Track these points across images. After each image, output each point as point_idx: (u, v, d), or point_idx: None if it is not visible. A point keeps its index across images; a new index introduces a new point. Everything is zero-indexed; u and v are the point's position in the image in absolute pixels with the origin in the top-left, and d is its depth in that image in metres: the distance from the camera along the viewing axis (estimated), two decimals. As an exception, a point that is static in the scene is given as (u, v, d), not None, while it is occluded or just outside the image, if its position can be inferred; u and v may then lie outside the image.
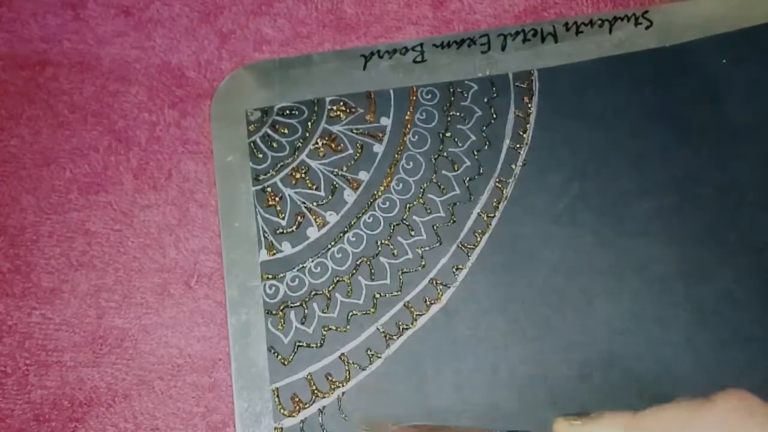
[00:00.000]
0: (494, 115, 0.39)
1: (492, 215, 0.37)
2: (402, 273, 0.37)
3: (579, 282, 0.36)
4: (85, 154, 0.39)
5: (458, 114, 0.39)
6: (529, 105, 0.39)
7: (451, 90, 0.40)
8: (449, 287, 0.36)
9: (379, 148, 0.39)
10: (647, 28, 0.40)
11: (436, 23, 0.42)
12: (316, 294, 0.36)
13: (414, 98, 0.40)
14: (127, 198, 0.38)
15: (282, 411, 0.35)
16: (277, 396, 0.35)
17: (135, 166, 0.39)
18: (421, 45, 0.40)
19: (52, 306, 0.36)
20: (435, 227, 0.37)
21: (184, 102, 0.41)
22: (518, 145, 0.38)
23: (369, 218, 0.38)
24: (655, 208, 0.37)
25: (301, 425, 0.35)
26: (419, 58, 0.40)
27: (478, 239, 0.37)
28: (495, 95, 0.39)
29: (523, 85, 0.39)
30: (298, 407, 0.35)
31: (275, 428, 0.35)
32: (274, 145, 0.39)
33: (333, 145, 0.39)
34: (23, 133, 0.40)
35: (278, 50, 0.42)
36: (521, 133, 0.39)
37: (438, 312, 0.36)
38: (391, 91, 0.40)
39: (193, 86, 0.41)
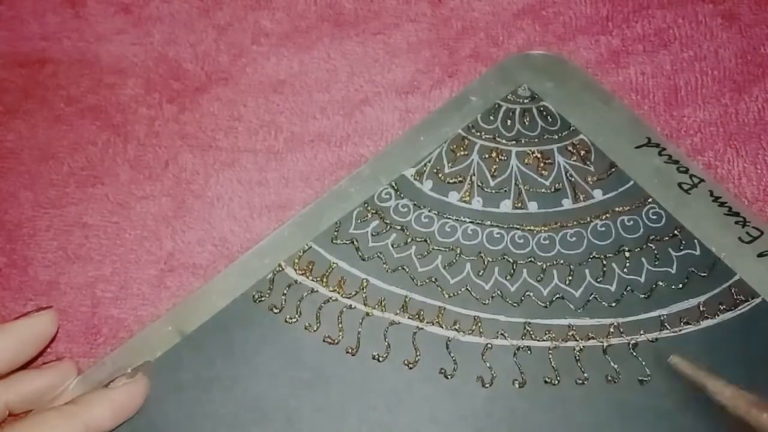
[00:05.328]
0: None
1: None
2: None
3: None
4: (83, 148, 0.39)
5: None
6: None
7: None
8: None
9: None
10: None
11: (435, 20, 0.42)
12: None
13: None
14: (123, 190, 0.38)
15: None
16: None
17: (132, 158, 0.39)
18: None
19: (48, 297, 0.35)
20: None
21: (181, 96, 0.41)
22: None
23: None
24: None
25: None
26: None
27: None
28: None
29: None
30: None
31: None
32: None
33: None
34: (20, 128, 0.40)
35: (276, 43, 0.42)
36: None
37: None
38: None
39: (190, 79, 0.41)
